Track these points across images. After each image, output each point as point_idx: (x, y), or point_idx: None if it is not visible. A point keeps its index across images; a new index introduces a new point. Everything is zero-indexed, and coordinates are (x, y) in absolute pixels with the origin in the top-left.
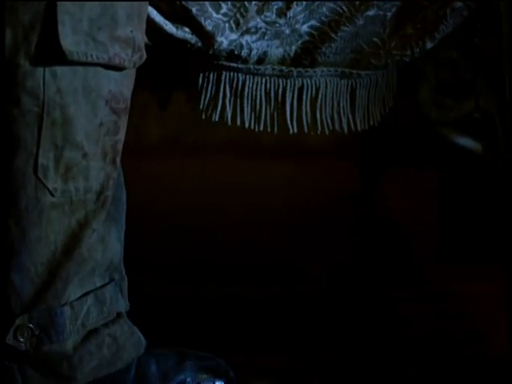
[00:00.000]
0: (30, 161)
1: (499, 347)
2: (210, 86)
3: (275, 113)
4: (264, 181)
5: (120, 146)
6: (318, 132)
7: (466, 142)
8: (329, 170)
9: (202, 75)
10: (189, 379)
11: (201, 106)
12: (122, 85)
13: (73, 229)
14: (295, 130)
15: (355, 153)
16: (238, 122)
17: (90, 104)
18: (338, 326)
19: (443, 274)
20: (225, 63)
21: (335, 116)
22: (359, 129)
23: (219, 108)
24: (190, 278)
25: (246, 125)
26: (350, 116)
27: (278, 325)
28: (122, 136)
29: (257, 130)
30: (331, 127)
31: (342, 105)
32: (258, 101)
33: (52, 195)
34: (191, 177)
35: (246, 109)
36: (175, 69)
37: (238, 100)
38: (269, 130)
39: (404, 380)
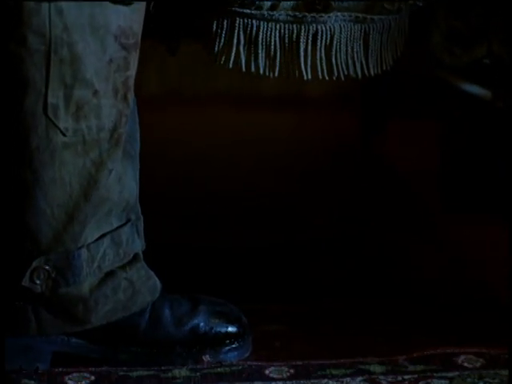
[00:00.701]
0: (40, 101)
1: (503, 294)
2: (223, 32)
3: (290, 59)
4: (265, 131)
5: (131, 82)
6: (334, 77)
7: (474, 88)
8: (330, 120)
9: (215, 22)
10: (202, 324)
11: (214, 53)
12: (131, 19)
13: (88, 169)
14: (309, 76)
15: (356, 103)
16: (253, 69)
17: (98, 40)
18: (346, 272)
19: (447, 221)
20: (238, 10)
21: (349, 61)
22: (372, 73)
23: (233, 55)
24: (195, 227)
25: (261, 71)
26: (364, 61)
27: (288, 272)
28: (133, 72)
29: (271, 76)
30: (346, 72)
31: (355, 50)
32: (272, 47)
33: (64, 135)
34: (192, 128)
35: (260, 55)
36: (186, 17)
37: (252, 46)
38: (284, 76)
39: (409, 323)
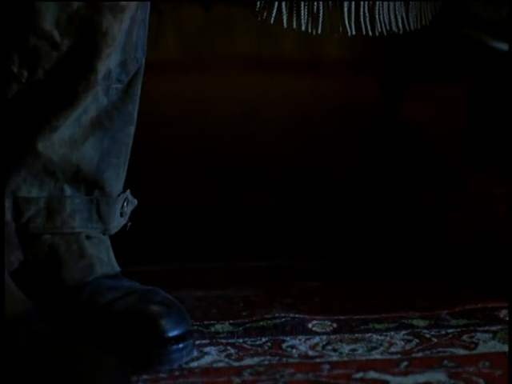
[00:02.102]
0: None
1: None
2: None
3: (333, 16)
4: (285, 95)
5: None
6: (377, 33)
7: (504, 46)
8: (350, 83)
9: None
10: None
11: (256, 9)
12: None
13: None
14: (353, 32)
15: (375, 66)
16: (295, 26)
17: None
18: (378, 230)
19: (476, 180)
20: None
21: (392, 17)
22: (412, 28)
23: (275, 11)
24: (217, 188)
25: (303, 28)
26: (404, 16)
27: (320, 232)
28: None
29: (314, 33)
30: (388, 28)
31: (397, 5)
32: (315, 4)
33: None
34: (210, 91)
35: (302, 12)
36: None
37: (295, 3)
38: (327, 33)
39: (444, 280)
